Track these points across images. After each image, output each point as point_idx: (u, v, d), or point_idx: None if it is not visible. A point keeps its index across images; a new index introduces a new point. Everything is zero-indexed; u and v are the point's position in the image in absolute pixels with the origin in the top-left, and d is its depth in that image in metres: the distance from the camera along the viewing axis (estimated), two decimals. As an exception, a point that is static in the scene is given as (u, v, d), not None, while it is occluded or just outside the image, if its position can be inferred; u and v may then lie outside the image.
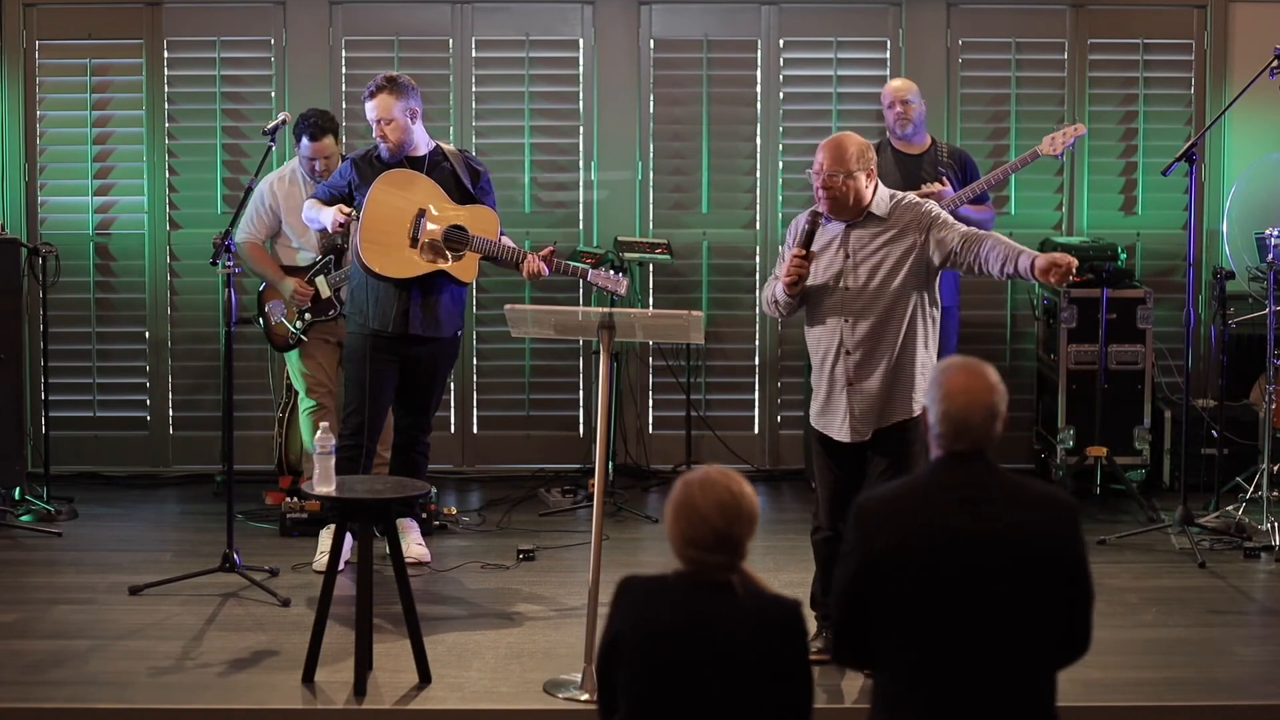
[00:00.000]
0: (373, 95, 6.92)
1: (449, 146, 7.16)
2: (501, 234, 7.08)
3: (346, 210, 6.92)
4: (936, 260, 5.86)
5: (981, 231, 5.93)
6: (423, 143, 7.03)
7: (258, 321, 7.84)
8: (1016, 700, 3.67)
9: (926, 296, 5.91)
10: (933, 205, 5.96)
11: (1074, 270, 5.68)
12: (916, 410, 5.86)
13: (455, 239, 6.91)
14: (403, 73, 7.11)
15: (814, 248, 5.90)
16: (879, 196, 5.91)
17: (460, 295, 7.11)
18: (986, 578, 3.65)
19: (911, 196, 6.00)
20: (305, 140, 7.62)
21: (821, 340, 5.94)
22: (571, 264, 7.22)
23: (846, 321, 5.87)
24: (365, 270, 6.91)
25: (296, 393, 8.10)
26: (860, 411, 5.89)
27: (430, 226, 6.89)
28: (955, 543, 3.66)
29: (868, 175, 5.87)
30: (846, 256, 5.88)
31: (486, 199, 7.07)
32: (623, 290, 7.10)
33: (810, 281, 5.91)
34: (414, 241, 6.89)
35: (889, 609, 3.67)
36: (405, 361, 7.03)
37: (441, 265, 6.90)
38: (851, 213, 5.88)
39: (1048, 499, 3.76)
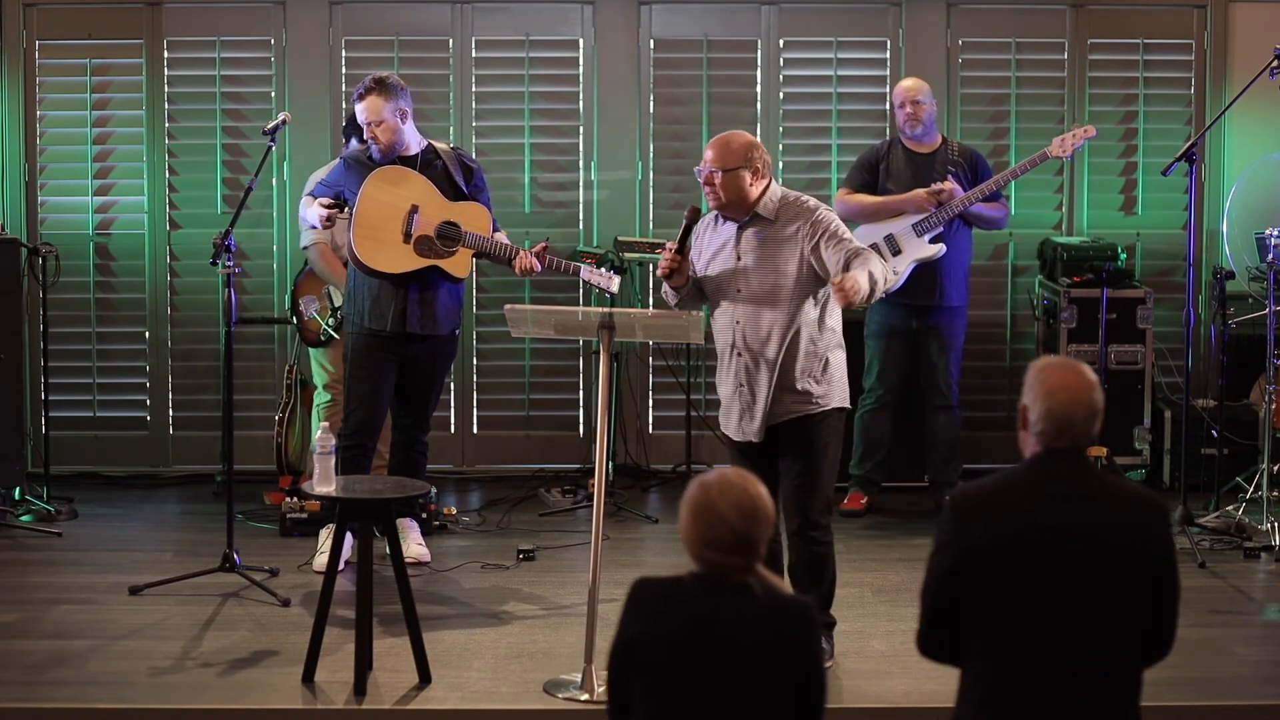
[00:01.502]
0: (361, 97, 6.94)
1: (442, 145, 7.17)
2: (496, 230, 7.09)
3: (327, 203, 6.94)
4: (822, 273, 5.84)
5: (863, 251, 5.83)
6: (414, 141, 7.04)
7: (291, 316, 7.85)
8: (1102, 697, 3.70)
9: (811, 301, 5.89)
10: (825, 213, 5.91)
11: (854, 299, 5.65)
12: (809, 410, 5.88)
13: (448, 235, 6.92)
14: (391, 72, 7.12)
15: (711, 246, 5.96)
16: (768, 196, 5.90)
17: (458, 293, 7.11)
18: (1078, 575, 3.68)
19: (803, 197, 5.98)
20: (354, 142, 7.62)
21: (721, 340, 5.99)
22: (566, 261, 7.24)
23: (737, 323, 5.92)
24: (359, 266, 6.93)
25: (295, 394, 8.13)
26: (750, 412, 5.92)
27: (423, 222, 6.90)
28: (1049, 539, 3.69)
29: (754, 174, 5.86)
30: (738, 258, 5.92)
31: (481, 196, 7.08)
32: (614, 288, 7.12)
33: (708, 281, 5.98)
34: (407, 237, 6.90)
35: (981, 603, 3.69)
36: (404, 360, 7.03)
37: (435, 261, 6.91)
38: (737, 210, 5.91)
39: (1140, 498, 3.80)
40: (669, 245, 5.92)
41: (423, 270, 6.91)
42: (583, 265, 7.20)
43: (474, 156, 7.39)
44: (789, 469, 5.94)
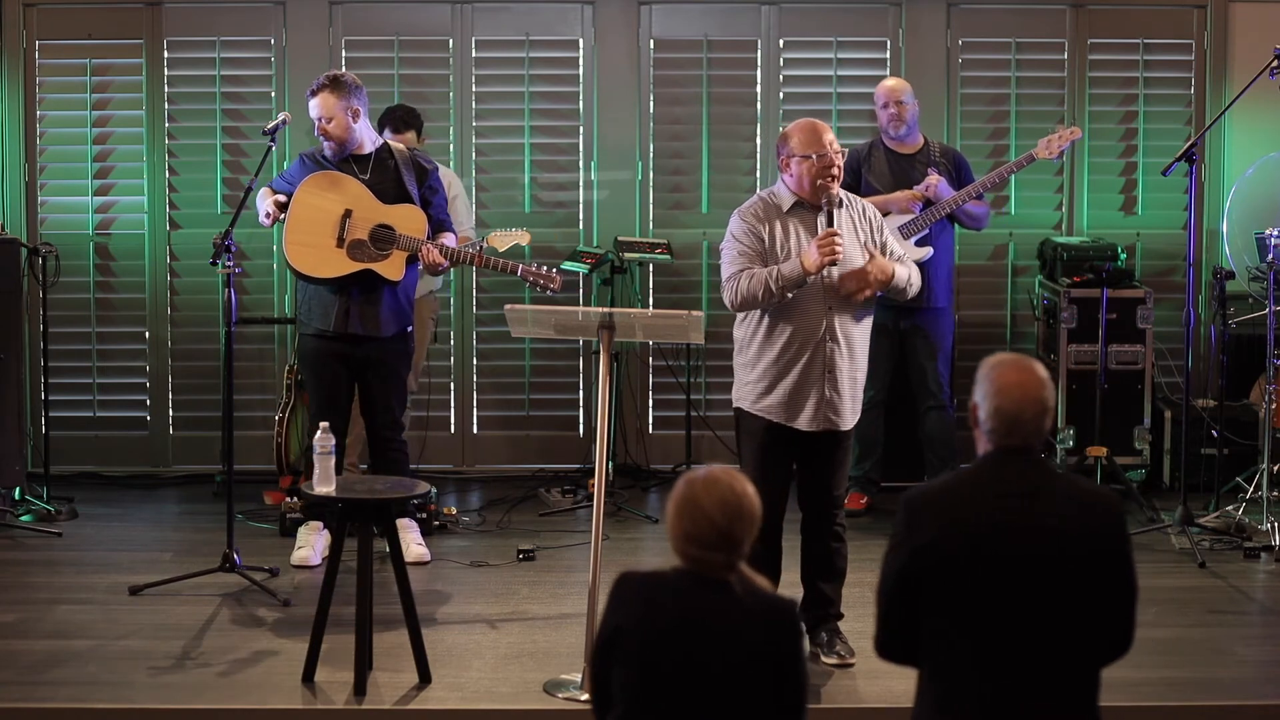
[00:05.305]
0: (314, 94, 6.97)
1: (398, 145, 7.19)
2: (450, 232, 7.07)
3: (282, 201, 6.97)
4: None
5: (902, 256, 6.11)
6: (369, 141, 7.06)
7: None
8: (1059, 696, 3.70)
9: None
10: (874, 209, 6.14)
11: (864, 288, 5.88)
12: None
13: (382, 238, 6.94)
14: (348, 71, 7.16)
15: (795, 234, 5.93)
16: None
17: (407, 294, 7.08)
18: (1032, 573, 3.67)
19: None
20: (388, 132, 7.81)
21: (802, 328, 5.91)
22: (503, 260, 7.13)
23: (830, 309, 5.89)
24: (293, 271, 7.02)
25: (295, 394, 8.12)
26: (835, 400, 5.93)
27: (356, 226, 6.92)
28: (1002, 538, 3.68)
29: None
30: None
31: (435, 198, 7.08)
32: (556, 286, 7.00)
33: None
34: (340, 242, 6.92)
35: (935, 603, 3.69)
36: (356, 362, 7.03)
37: (368, 265, 6.93)
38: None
39: (1094, 496, 3.79)
40: (829, 232, 5.76)
41: (361, 273, 6.93)
42: (520, 264, 7.11)
43: (431, 158, 7.32)
44: (835, 465, 6.05)
